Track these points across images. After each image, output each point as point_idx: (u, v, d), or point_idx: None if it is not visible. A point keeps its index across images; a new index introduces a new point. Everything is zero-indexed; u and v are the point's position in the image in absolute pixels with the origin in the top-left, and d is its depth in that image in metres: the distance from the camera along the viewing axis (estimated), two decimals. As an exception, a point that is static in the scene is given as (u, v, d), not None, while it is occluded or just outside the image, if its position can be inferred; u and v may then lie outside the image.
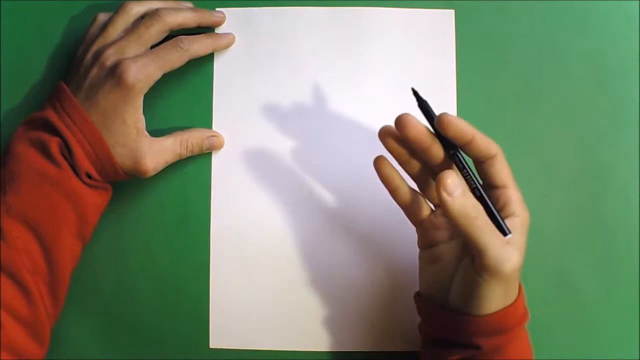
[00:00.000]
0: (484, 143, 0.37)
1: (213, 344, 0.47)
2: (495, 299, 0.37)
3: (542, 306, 0.47)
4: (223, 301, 0.47)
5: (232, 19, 0.48)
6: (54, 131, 0.42)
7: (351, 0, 0.48)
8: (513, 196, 0.38)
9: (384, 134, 0.39)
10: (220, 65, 0.48)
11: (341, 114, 0.48)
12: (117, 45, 0.43)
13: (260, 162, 0.48)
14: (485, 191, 0.38)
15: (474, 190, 0.37)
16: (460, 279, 0.39)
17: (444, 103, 0.48)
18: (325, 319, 0.47)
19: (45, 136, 0.42)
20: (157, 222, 0.48)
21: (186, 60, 0.45)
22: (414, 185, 0.41)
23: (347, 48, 0.48)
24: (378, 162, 0.41)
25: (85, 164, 0.42)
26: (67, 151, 0.42)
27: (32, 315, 0.41)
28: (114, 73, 0.42)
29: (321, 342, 0.47)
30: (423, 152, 0.39)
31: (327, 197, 0.47)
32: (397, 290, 0.47)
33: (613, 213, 0.47)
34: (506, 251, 0.36)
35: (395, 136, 0.39)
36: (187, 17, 0.45)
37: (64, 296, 0.43)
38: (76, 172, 0.42)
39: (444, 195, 0.35)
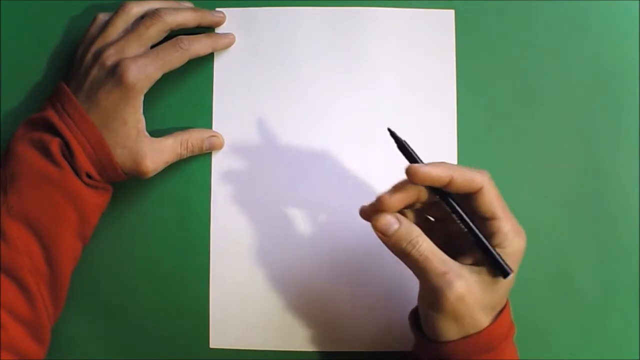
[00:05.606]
0: (465, 181, 0.36)
1: (213, 344, 0.47)
2: (448, 330, 0.37)
3: (542, 306, 0.47)
4: (223, 301, 0.47)
5: (232, 19, 0.48)
6: (55, 131, 0.42)
7: (351, 0, 0.48)
8: (502, 227, 0.37)
9: (366, 216, 0.39)
10: (220, 65, 0.48)
11: (341, 114, 0.48)
12: (117, 45, 0.43)
13: (260, 162, 0.48)
14: (477, 223, 0.37)
15: (467, 234, 0.37)
16: (420, 309, 0.39)
17: (444, 103, 0.48)
18: (325, 319, 0.47)
19: (46, 137, 0.42)
20: (157, 222, 0.48)
21: (186, 60, 0.45)
22: None
23: (347, 48, 0.48)
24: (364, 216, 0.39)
25: (86, 165, 0.42)
26: (67, 152, 0.42)
27: (33, 315, 0.41)
28: (114, 73, 0.42)
29: (321, 342, 0.47)
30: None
31: (328, 196, 0.47)
32: (396, 290, 0.47)
33: (613, 213, 0.47)
34: (444, 281, 0.36)
35: (374, 210, 0.38)
36: (187, 17, 0.45)
37: (65, 296, 0.44)
38: (77, 173, 0.42)
39: (381, 237, 0.38)
